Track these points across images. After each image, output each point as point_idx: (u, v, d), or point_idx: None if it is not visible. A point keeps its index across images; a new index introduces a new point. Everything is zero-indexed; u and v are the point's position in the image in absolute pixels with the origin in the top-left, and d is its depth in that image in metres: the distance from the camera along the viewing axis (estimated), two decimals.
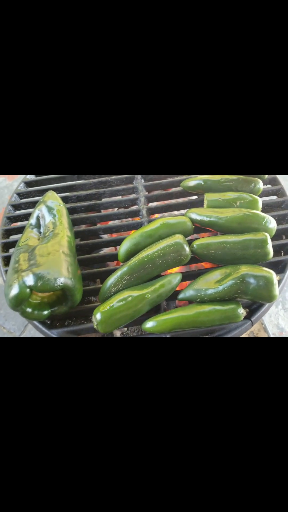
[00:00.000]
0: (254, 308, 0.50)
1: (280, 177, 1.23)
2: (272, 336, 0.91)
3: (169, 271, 0.64)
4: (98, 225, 0.65)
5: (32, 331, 0.96)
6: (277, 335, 0.96)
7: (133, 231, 0.59)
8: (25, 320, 0.97)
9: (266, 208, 0.63)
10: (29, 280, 0.42)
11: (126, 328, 0.63)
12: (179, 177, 0.66)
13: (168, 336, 0.47)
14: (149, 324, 0.47)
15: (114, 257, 0.57)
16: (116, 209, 0.68)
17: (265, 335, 0.92)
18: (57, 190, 0.66)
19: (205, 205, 0.57)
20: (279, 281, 0.51)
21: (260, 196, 0.63)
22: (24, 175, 0.70)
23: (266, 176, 0.62)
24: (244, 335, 0.94)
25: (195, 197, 0.65)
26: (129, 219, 0.66)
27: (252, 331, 0.94)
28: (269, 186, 0.66)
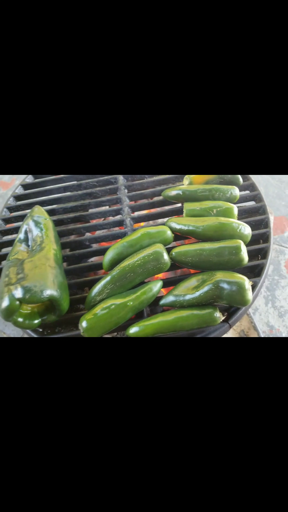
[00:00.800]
0: (232, 311, 0.53)
1: (269, 177, 1.25)
2: (262, 333, 0.94)
3: (156, 276, 0.67)
4: (85, 235, 0.68)
5: None
6: (267, 333, 0.99)
7: (117, 241, 0.62)
8: None
9: (244, 213, 0.66)
10: (18, 293, 0.46)
11: (116, 333, 0.66)
12: (162, 187, 0.69)
13: None
14: (132, 330, 0.50)
15: (100, 266, 0.61)
16: (102, 219, 0.71)
17: (255, 333, 0.95)
18: (45, 203, 0.69)
19: (184, 214, 0.60)
20: (254, 286, 0.54)
21: (239, 201, 0.66)
22: (15, 188, 0.74)
23: (241, 181, 0.65)
24: (235, 334, 0.97)
25: (179, 204, 0.68)
26: (117, 228, 0.69)
27: (242, 329, 0.97)
28: (247, 192, 0.69)
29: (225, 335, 0.96)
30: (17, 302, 0.46)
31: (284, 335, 0.97)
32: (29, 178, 0.76)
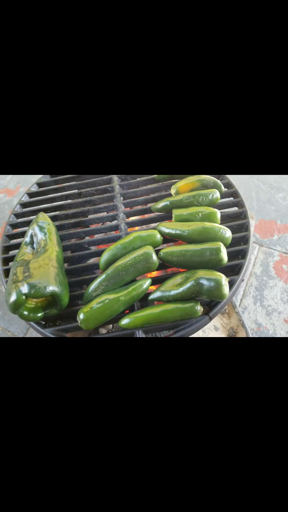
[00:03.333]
0: (212, 305, 0.60)
1: (260, 182, 1.32)
2: (250, 331, 1.01)
3: (148, 275, 0.74)
4: (85, 239, 0.75)
5: (34, 334, 1.06)
6: (255, 330, 1.05)
7: (113, 243, 0.69)
8: (27, 324, 1.08)
9: (228, 218, 0.72)
10: (24, 288, 0.53)
11: (111, 326, 0.73)
12: (154, 194, 0.77)
13: (140, 331, 0.57)
14: (124, 321, 0.57)
15: (97, 266, 0.68)
16: (100, 224, 0.78)
17: (243, 330, 1.01)
18: (48, 210, 0.76)
19: (173, 219, 0.67)
20: (232, 283, 0.61)
21: (222, 208, 0.73)
22: (21, 196, 0.81)
23: (223, 188, 0.72)
24: (224, 331, 1.03)
25: None
26: (113, 232, 0.76)
27: (231, 327, 1.04)
28: (231, 198, 0.76)
29: (216, 333, 1.02)
30: (24, 297, 0.53)
31: (271, 332, 1.03)
32: (34, 187, 0.83)
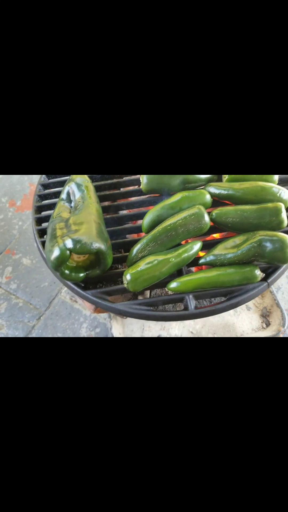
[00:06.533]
0: (269, 272, 0.54)
1: None
2: (285, 311, 0.95)
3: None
4: (121, 201, 0.70)
5: (56, 307, 1.02)
6: None
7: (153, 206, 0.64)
8: (50, 297, 1.04)
9: (280, 182, 0.66)
10: (69, 243, 0.48)
11: (148, 295, 0.68)
12: None
13: (190, 296, 0.52)
14: (173, 285, 0.51)
15: (136, 229, 0.62)
16: (137, 186, 0.72)
17: (278, 310, 0.96)
18: None
19: (224, 180, 0.61)
20: None
21: None
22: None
23: None
24: (257, 310, 0.98)
25: None
26: (152, 194, 0.71)
27: (265, 306, 0.99)
28: None
29: (249, 313, 0.97)
30: (68, 252, 0.48)
31: None
32: None
